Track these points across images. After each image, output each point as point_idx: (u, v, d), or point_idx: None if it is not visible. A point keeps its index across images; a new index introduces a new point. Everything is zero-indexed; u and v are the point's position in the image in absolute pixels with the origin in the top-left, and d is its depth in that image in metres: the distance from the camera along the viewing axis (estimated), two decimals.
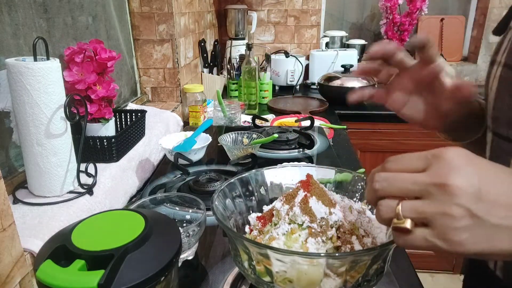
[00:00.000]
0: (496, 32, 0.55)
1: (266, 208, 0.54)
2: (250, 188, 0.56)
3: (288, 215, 0.47)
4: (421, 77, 0.54)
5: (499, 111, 0.50)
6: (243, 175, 0.56)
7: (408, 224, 0.32)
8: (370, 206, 0.53)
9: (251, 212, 0.55)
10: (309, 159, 1.08)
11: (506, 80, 0.48)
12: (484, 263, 0.58)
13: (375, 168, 0.37)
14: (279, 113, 1.60)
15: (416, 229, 0.32)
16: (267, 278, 0.43)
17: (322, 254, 0.41)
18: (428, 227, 0.32)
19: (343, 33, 2.27)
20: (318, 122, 1.42)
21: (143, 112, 1.05)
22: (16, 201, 0.68)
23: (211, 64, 1.91)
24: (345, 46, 2.28)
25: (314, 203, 0.47)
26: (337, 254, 0.42)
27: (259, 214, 0.53)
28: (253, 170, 0.57)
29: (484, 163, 0.33)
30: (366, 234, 0.46)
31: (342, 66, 1.78)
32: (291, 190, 0.51)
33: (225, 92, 1.88)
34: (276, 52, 2.19)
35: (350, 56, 2.02)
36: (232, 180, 0.54)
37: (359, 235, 0.45)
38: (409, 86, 0.57)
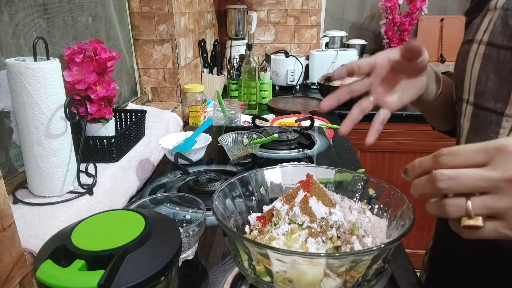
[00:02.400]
0: (469, 13, 0.60)
1: (266, 208, 0.54)
2: (250, 188, 0.56)
3: (288, 215, 0.47)
4: (403, 70, 0.58)
5: (484, 86, 0.53)
6: (243, 175, 0.56)
7: (480, 221, 0.33)
8: (370, 206, 0.53)
9: (251, 212, 0.55)
10: (309, 159, 1.08)
11: (490, 57, 0.51)
12: None
13: (422, 159, 0.37)
14: (279, 113, 1.60)
15: (486, 222, 0.33)
16: (267, 278, 0.43)
17: (322, 254, 0.41)
18: (498, 220, 0.33)
19: (343, 33, 2.27)
20: (318, 122, 1.42)
21: (143, 112, 1.05)
22: (16, 201, 0.68)
23: (211, 64, 1.91)
24: (345, 46, 2.28)
25: (314, 203, 0.47)
26: (337, 254, 0.42)
27: (259, 214, 0.53)
28: (253, 170, 0.57)
29: None
30: (366, 234, 0.46)
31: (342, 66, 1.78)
32: (291, 190, 0.51)
33: (225, 92, 1.88)
34: (276, 52, 2.19)
35: (350, 56, 2.02)
36: (232, 180, 0.54)
37: (359, 235, 0.45)
38: (387, 77, 0.60)
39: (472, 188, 0.33)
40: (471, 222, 0.33)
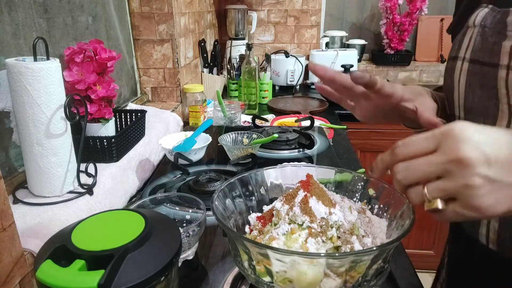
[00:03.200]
0: (452, 30, 0.63)
1: (266, 208, 0.54)
2: (250, 188, 0.56)
3: (288, 215, 0.47)
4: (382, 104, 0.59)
5: (472, 102, 0.54)
6: (243, 175, 0.56)
7: (439, 204, 0.35)
8: (370, 206, 0.53)
9: (251, 212, 0.55)
10: (309, 159, 1.08)
11: (475, 74, 0.52)
12: (470, 236, 0.60)
13: (383, 155, 0.39)
14: (279, 113, 1.60)
15: (447, 205, 0.35)
16: (267, 278, 0.43)
17: (322, 254, 0.41)
18: (455, 201, 0.34)
19: (343, 33, 2.27)
20: (318, 122, 1.42)
21: (143, 112, 1.05)
22: (16, 201, 0.68)
23: (211, 64, 1.90)
24: (345, 46, 2.28)
25: (314, 203, 0.47)
26: (337, 254, 0.41)
27: (259, 214, 0.53)
28: (253, 170, 0.57)
29: (489, 130, 0.35)
30: (366, 234, 0.46)
31: (342, 66, 1.78)
32: (291, 190, 0.51)
33: (225, 92, 1.88)
34: (276, 52, 2.19)
35: (350, 56, 2.02)
36: (232, 180, 0.54)
37: (359, 235, 0.45)
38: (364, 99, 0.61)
39: (426, 175, 0.35)
40: (430, 205, 0.35)
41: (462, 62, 0.54)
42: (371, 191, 0.54)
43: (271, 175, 0.58)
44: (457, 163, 0.33)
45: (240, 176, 0.56)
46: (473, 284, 0.63)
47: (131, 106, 1.28)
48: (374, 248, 0.40)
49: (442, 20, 2.27)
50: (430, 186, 0.35)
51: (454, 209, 0.34)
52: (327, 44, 2.22)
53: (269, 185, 0.58)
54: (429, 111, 0.57)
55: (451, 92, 0.57)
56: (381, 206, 0.52)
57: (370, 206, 0.53)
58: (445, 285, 0.72)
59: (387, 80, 1.91)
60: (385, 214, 0.51)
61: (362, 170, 1.04)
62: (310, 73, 2.09)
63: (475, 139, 0.33)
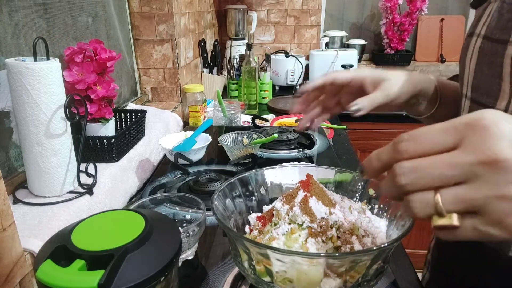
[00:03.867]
0: (475, 4, 0.56)
1: (266, 208, 0.54)
2: (250, 188, 0.56)
3: (288, 215, 0.47)
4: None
5: (479, 81, 0.51)
6: (243, 175, 0.56)
7: (455, 220, 0.26)
8: (370, 206, 0.53)
9: (251, 212, 0.55)
10: (309, 159, 1.08)
11: (485, 51, 0.50)
12: None
13: (380, 150, 0.31)
14: (279, 113, 1.60)
15: (463, 220, 0.26)
16: (267, 278, 0.43)
17: (322, 254, 0.41)
18: (477, 215, 0.26)
19: (343, 33, 2.27)
20: None
21: (143, 112, 1.05)
22: (16, 201, 0.68)
23: (211, 64, 1.90)
24: (345, 46, 2.28)
25: (314, 203, 0.47)
26: (337, 254, 0.41)
27: (259, 214, 0.53)
28: (253, 170, 0.57)
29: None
30: (366, 234, 0.46)
31: (342, 66, 1.78)
32: (291, 190, 0.51)
33: (225, 92, 1.88)
34: (276, 52, 2.19)
35: (350, 56, 2.02)
36: (232, 180, 0.54)
37: (359, 235, 0.45)
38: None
39: (442, 179, 0.26)
40: (443, 221, 0.26)
41: (477, 38, 0.52)
42: (371, 191, 0.54)
43: (271, 175, 0.58)
44: (491, 165, 0.25)
45: (240, 176, 0.56)
46: (455, 267, 0.63)
47: (131, 106, 1.28)
48: (374, 248, 0.40)
49: (442, 20, 2.27)
50: (447, 194, 0.26)
51: (475, 226, 0.26)
52: (327, 44, 2.22)
53: (269, 185, 0.58)
54: (382, 97, 0.56)
55: (463, 70, 0.56)
56: (381, 206, 0.52)
57: (370, 206, 0.53)
58: (430, 267, 0.73)
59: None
60: (385, 214, 0.51)
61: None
62: (310, 73, 2.09)
63: None
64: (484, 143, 0.25)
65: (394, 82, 0.58)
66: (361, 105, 0.55)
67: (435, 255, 0.71)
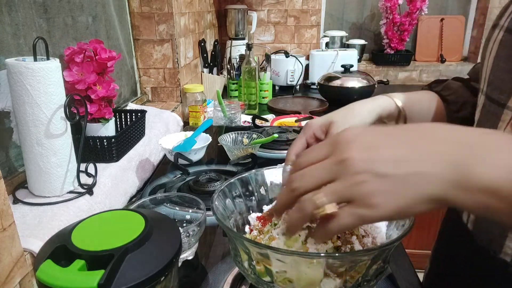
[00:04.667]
0: None
1: (266, 208, 0.54)
2: (250, 188, 0.56)
3: (287, 215, 0.47)
4: None
5: (495, 75, 0.50)
6: (243, 175, 0.56)
7: (330, 209, 0.33)
8: None
9: (251, 212, 0.55)
10: None
11: (505, 44, 0.48)
12: (458, 217, 0.60)
13: (289, 168, 0.38)
14: (279, 113, 1.60)
15: (340, 210, 0.33)
16: (267, 278, 0.43)
17: (322, 254, 0.41)
18: (350, 203, 0.33)
19: (343, 33, 2.27)
20: None
21: (143, 112, 1.05)
22: (16, 201, 0.68)
23: (211, 64, 1.90)
24: (345, 46, 2.28)
25: None
26: (337, 254, 0.41)
27: (259, 214, 0.53)
28: (253, 170, 0.57)
29: (375, 129, 0.35)
30: (366, 234, 0.46)
31: (342, 66, 1.78)
32: None
33: (225, 92, 1.88)
34: (276, 52, 2.19)
35: (350, 56, 2.02)
36: (232, 180, 0.54)
37: (359, 235, 0.45)
38: None
39: (317, 181, 0.34)
40: (323, 211, 0.33)
41: (499, 31, 0.50)
42: None
43: (271, 175, 0.58)
44: (342, 163, 0.33)
45: (240, 176, 0.55)
46: (454, 270, 0.63)
47: (131, 106, 1.28)
48: (374, 248, 0.40)
49: (442, 20, 2.27)
50: (323, 190, 0.33)
51: (350, 212, 0.32)
52: (327, 44, 2.22)
53: (269, 185, 0.58)
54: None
55: (482, 63, 0.54)
56: None
57: None
58: (428, 268, 0.73)
59: (387, 80, 1.91)
60: None
61: None
62: (310, 73, 2.10)
63: (360, 139, 0.33)
64: (339, 148, 0.34)
65: (340, 125, 0.57)
66: None
67: (435, 256, 0.72)
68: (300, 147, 0.58)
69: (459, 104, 0.65)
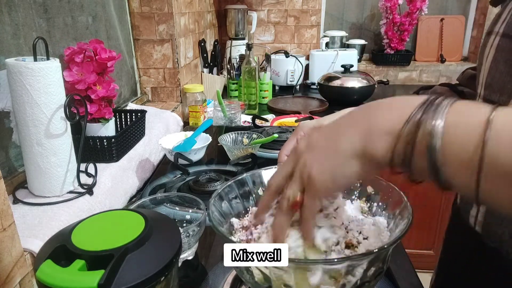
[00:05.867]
0: (493, 2, 0.57)
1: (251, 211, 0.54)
2: (248, 189, 0.56)
3: None
4: None
5: (493, 79, 0.51)
6: (240, 177, 0.55)
7: (296, 197, 0.38)
8: (369, 204, 0.53)
9: (249, 214, 0.55)
10: None
11: (503, 48, 0.50)
12: (464, 221, 0.60)
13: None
14: (279, 113, 1.60)
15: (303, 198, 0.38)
16: (265, 284, 0.43)
17: (319, 261, 0.41)
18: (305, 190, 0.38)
19: (343, 33, 2.27)
20: None
21: (143, 112, 1.05)
22: (16, 201, 0.68)
23: (211, 64, 1.90)
24: (345, 46, 2.28)
25: None
26: (335, 260, 0.41)
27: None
28: (249, 172, 0.57)
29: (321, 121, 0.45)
30: (365, 236, 0.46)
31: (342, 66, 1.78)
32: None
33: (225, 92, 1.88)
34: (276, 52, 2.19)
35: (350, 56, 2.02)
36: (229, 183, 0.54)
37: (356, 245, 0.45)
38: None
39: (282, 180, 0.41)
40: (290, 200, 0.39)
41: (495, 36, 0.52)
42: (370, 189, 0.53)
43: (269, 175, 0.58)
44: (293, 153, 0.40)
45: (237, 178, 0.55)
46: (462, 271, 0.64)
47: (131, 106, 1.28)
48: (371, 253, 0.40)
49: (442, 20, 2.27)
50: (291, 181, 0.39)
51: (306, 195, 0.37)
52: (327, 44, 2.22)
53: (267, 185, 0.57)
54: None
55: (479, 69, 0.56)
56: (380, 204, 0.52)
57: (369, 204, 0.53)
58: (436, 270, 0.73)
59: (387, 80, 1.91)
60: (384, 212, 0.51)
61: None
62: (310, 73, 2.10)
63: (307, 137, 0.39)
64: (297, 155, 0.39)
65: None
66: None
67: (443, 262, 0.72)
68: (291, 148, 0.59)
69: None
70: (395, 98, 0.35)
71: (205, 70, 1.84)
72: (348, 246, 0.43)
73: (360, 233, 0.46)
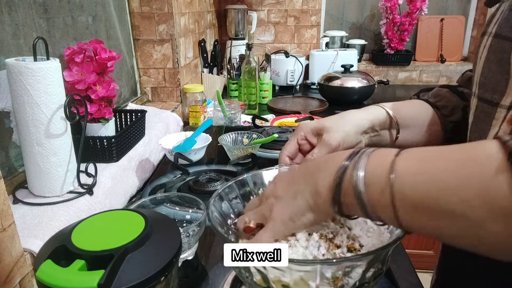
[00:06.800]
0: (488, 3, 0.58)
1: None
2: (248, 190, 0.56)
3: None
4: None
5: (486, 78, 0.53)
6: (241, 177, 0.55)
7: (252, 224, 0.45)
8: None
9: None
10: None
11: (495, 49, 0.51)
12: None
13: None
14: (279, 113, 1.60)
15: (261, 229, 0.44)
16: (264, 284, 0.43)
17: (317, 261, 0.41)
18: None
19: (343, 33, 2.27)
20: None
21: (143, 112, 1.05)
22: (16, 201, 0.68)
23: (211, 64, 1.91)
24: (345, 46, 2.28)
25: None
26: (334, 260, 0.41)
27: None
28: (250, 172, 0.57)
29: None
30: (364, 236, 0.46)
31: (342, 66, 1.78)
32: None
33: (225, 92, 1.88)
34: (276, 52, 2.19)
35: (350, 56, 2.02)
36: (229, 183, 0.54)
37: (358, 249, 0.45)
38: None
39: (250, 216, 0.47)
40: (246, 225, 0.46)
41: (488, 37, 0.53)
42: None
43: (270, 176, 0.58)
44: (263, 195, 0.47)
45: (238, 178, 0.55)
46: (462, 271, 0.64)
47: (131, 106, 1.28)
48: (369, 253, 0.40)
49: (442, 20, 2.27)
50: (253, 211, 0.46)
51: (265, 228, 0.43)
52: (327, 44, 2.22)
53: (267, 185, 0.57)
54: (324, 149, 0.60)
55: (474, 69, 0.57)
56: None
57: None
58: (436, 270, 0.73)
59: (387, 80, 1.91)
60: None
61: None
62: (310, 73, 2.10)
63: (273, 185, 0.46)
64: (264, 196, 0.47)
65: (332, 130, 0.59)
66: None
67: (443, 257, 0.72)
68: (292, 148, 0.60)
69: (449, 109, 0.67)
70: (328, 158, 0.43)
71: (205, 70, 1.84)
72: (350, 250, 0.43)
73: (350, 229, 0.46)
